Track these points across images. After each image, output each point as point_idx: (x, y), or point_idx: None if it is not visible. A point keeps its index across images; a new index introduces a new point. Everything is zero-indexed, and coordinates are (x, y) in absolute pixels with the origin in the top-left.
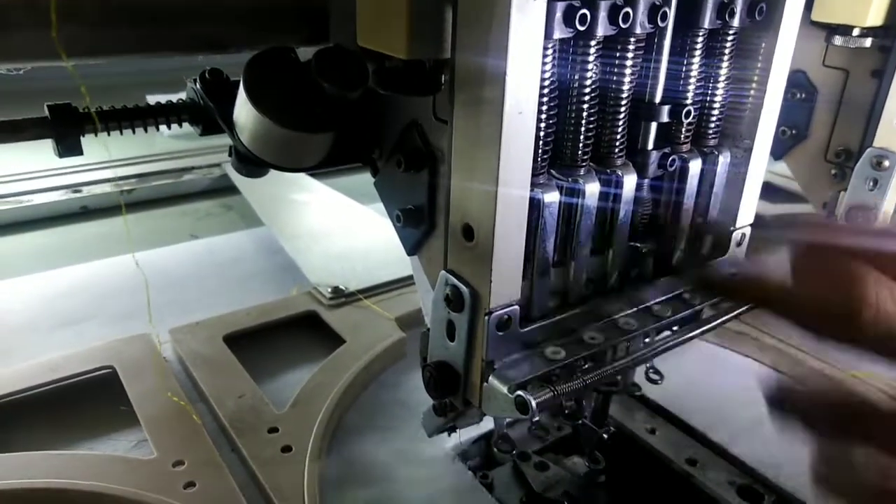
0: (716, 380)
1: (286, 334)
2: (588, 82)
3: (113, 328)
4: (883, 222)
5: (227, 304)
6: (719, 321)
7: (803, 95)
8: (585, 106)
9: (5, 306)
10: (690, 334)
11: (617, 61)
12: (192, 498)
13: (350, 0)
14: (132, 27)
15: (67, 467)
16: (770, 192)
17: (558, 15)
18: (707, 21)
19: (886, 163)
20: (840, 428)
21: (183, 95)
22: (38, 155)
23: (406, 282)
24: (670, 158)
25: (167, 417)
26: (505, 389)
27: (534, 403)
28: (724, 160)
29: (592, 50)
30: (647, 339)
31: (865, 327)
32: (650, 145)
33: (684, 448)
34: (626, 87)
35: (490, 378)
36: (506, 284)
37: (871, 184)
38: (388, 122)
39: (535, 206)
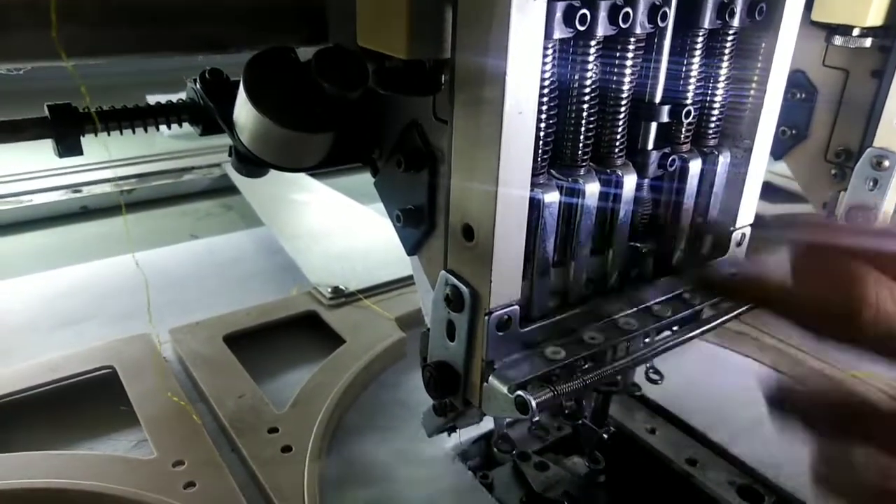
0: (716, 380)
1: (286, 334)
2: (588, 82)
3: (113, 328)
4: (883, 222)
5: (227, 304)
6: (719, 321)
7: (803, 95)
8: (585, 106)
9: (5, 306)
10: (690, 334)
11: (617, 61)
12: (191, 498)
13: (350, 0)
14: (132, 27)
15: (67, 467)
16: (770, 192)
17: (558, 15)
18: (707, 21)
19: (886, 163)
20: (840, 428)
21: (183, 95)
22: (38, 155)
23: (406, 282)
24: (670, 158)
25: (167, 417)
26: (505, 389)
27: (534, 403)
28: (724, 160)
29: (592, 50)
30: (647, 339)
31: (866, 327)
32: (650, 145)
33: (684, 448)
34: (626, 87)
35: (490, 378)
36: (506, 284)
37: (871, 184)
38: (388, 122)
39: (535, 206)
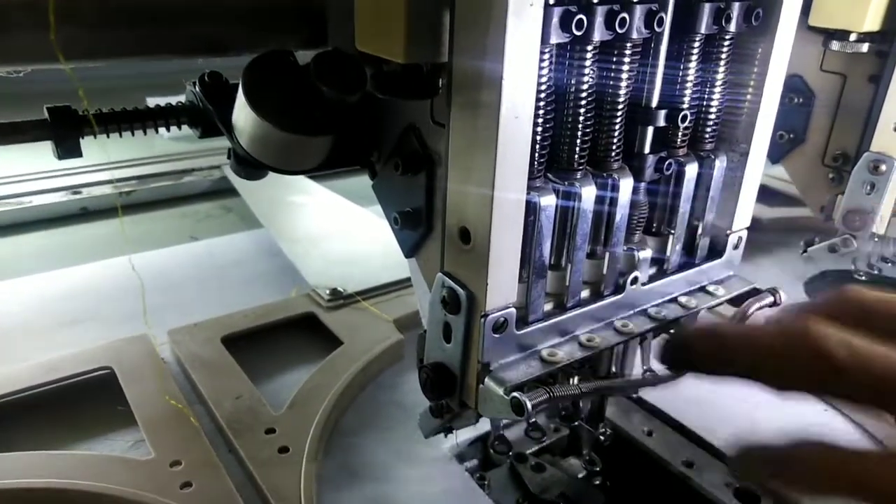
0: (713, 382)
1: (284, 336)
2: (585, 87)
3: (112, 329)
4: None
5: (226, 305)
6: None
7: (801, 100)
8: (582, 110)
9: (5, 307)
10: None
11: (613, 66)
12: (188, 498)
13: (348, 2)
14: (131, 29)
15: (65, 467)
16: (768, 195)
17: (555, 20)
18: (703, 26)
19: (883, 167)
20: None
21: (182, 98)
22: (37, 156)
23: (404, 284)
24: (667, 162)
25: (165, 418)
26: (501, 391)
27: (529, 405)
28: (720, 164)
29: (589, 55)
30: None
31: (843, 368)
32: (647, 149)
33: (681, 450)
34: (622, 92)
35: (486, 380)
36: (502, 287)
37: (869, 188)
38: (386, 125)
39: (532, 210)
